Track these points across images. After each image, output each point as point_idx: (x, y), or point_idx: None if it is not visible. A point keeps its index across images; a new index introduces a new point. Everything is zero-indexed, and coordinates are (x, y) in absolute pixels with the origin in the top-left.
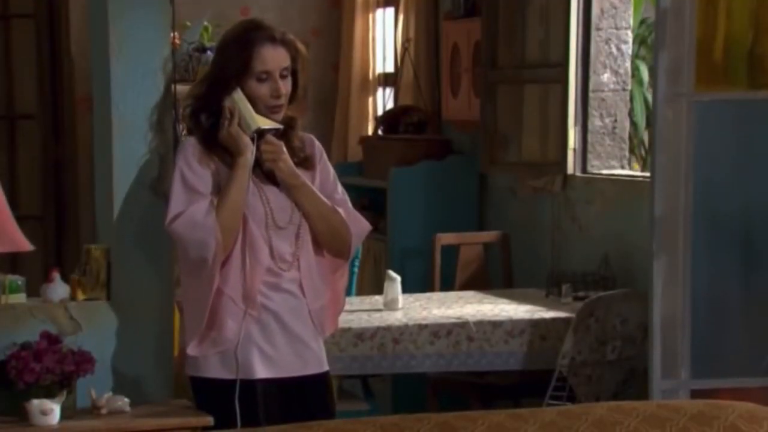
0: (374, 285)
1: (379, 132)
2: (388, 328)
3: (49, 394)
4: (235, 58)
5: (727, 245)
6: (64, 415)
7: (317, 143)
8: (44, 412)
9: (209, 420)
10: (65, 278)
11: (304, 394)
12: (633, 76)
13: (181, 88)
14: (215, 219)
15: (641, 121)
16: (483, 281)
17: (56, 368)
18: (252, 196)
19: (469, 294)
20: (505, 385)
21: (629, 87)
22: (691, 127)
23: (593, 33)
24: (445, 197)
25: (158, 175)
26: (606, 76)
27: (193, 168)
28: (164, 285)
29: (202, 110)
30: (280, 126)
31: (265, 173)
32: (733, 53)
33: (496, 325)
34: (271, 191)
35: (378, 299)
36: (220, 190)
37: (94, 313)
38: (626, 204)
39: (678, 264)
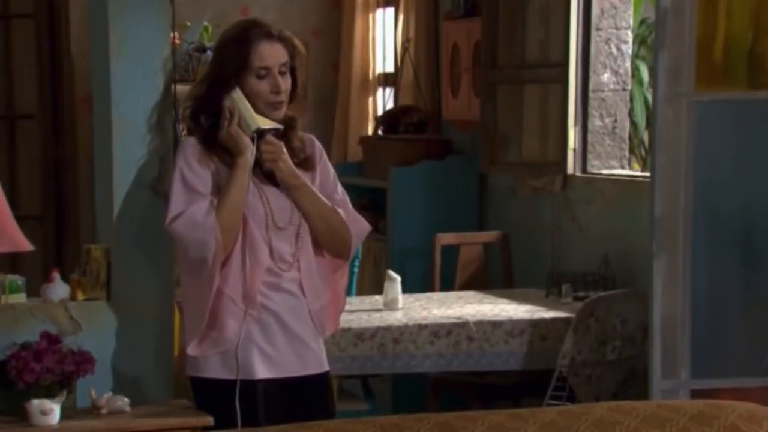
0: (374, 285)
1: (379, 132)
2: (388, 328)
3: (49, 394)
4: (233, 56)
5: (727, 245)
6: (64, 415)
7: (317, 143)
8: (44, 412)
9: (209, 420)
10: (65, 278)
11: (305, 394)
12: (633, 76)
13: (181, 88)
14: (215, 219)
15: (641, 121)
16: (483, 281)
17: (56, 368)
18: (252, 196)
19: (469, 294)
20: (505, 385)
21: (629, 87)
22: (691, 127)
23: (593, 33)
24: (445, 197)
25: (158, 175)
26: (606, 76)
27: (193, 168)
28: (164, 285)
29: (201, 111)
30: (280, 126)
31: (265, 173)
32: (733, 53)
33: (496, 325)
34: (271, 191)
35: (378, 299)
36: (220, 190)
37: (94, 313)
38: (626, 204)
39: (678, 264)
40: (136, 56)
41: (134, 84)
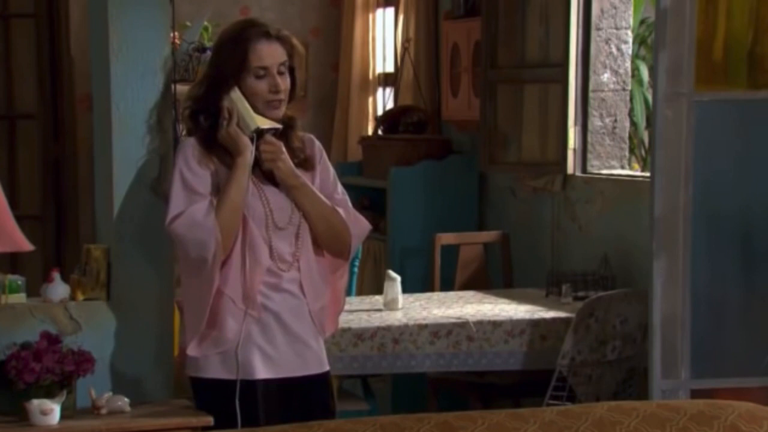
0: (374, 285)
1: (379, 132)
2: (388, 328)
3: (49, 394)
4: (231, 56)
5: (727, 245)
6: (64, 415)
7: (317, 143)
8: (44, 412)
9: (209, 420)
10: (65, 278)
11: (305, 394)
12: (633, 76)
13: (181, 88)
14: (215, 219)
15: (641, 121)
16: (483, 281)
17: (56, 368)
18: (251, 196)
19: (469, 294)
20: (505, 385)
21: (629, 87)
22: (691, 127)
23: (593, 33)
24: (445, 197)
25: (158, 174)
26: (606, 76)
27: (193, 169)
28: (164, 285)
29: (201, 111)
30: (279, 126)
31: (264, 173)
32: (733, 53)
33: (496, 325)
34: (270, 191)
35: (378, 299)
36: (219, 190)
37: (94, 313)
38: (626, 204)
39: (678, 264)
40: (136, 56)
41: (134, 84)
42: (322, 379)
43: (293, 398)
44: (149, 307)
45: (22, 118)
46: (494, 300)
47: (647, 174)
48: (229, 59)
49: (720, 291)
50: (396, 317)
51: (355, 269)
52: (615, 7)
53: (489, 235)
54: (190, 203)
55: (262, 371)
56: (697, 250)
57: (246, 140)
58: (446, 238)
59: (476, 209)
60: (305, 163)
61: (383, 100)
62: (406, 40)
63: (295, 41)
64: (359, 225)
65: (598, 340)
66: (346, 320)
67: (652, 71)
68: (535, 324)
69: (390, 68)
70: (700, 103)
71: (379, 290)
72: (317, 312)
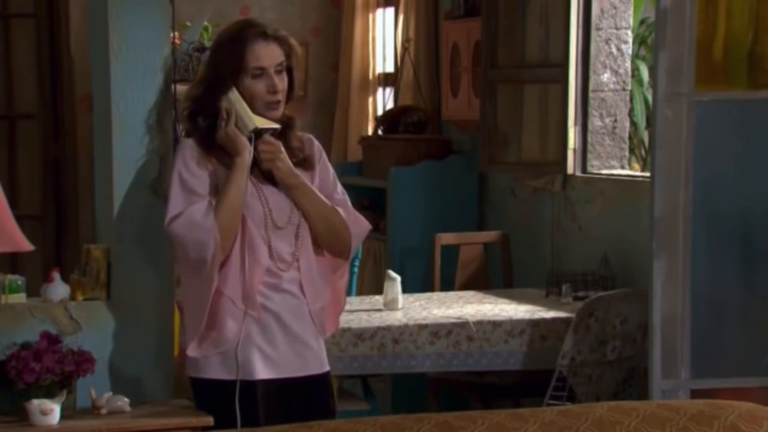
0: (374, 285)
1: (379, 132)
2: (388, 328)
3: (49, 394)
4: (228, 56)
5: (727, 245)
6: (64, 415)
7: (316, 143)
8: (44, 412)
9: (209, 420)
10: (65, 278)
11: (305, 395)
12: (633, 76)
13: (181, 88)
14: (214, 219)
15: (641, 121)
16: (483, 281)
17: (56, 368)
18: (250, 196)
19: (469, 294)
20: (505, 385)
21: (629, 87)
22: (691, 127)
23: (593, 33)
24: (445, 197)
25: (158, 174)
26: (606, 76)
27: (191, 169)
28: (164, 285)
29: (199, 112)
30: (278, 125)
31: (263, 173)
32: (733, 53)
33: (496, 325)
34: (269, 191)
35: (378, 299)
36: (218, 190)
37: (94, 313)
38: (626, 204)
39: (678, 264)
40: (136, 56)
41: (134, 84)
42: (322, 379)
43: (293, 398)
44: (149, 307)
45: (22, 118)
46: (494, 300)
47: (647, 174)
48: (227, 60)
49: (720, 291)
50: (396, 317)
51: (355, 269)
52: (615, 7)
53: (489, 235)
54: (189, 204)
55: (262, 371)
56: (697, 250)
57: (244, 140)
58: (446, 238)
59: (476, 209)
60: (304, 163)
61: (383, 100)
62: (406, 40)
63: (293, 41)
64: (359, 225)
65: (598, 340)
66: (346, 320)
67: (652, 71)
68: (535, 324)
69: (390, 68)
70: (700, 103)
71: (379, 290)
72: (317, 312)
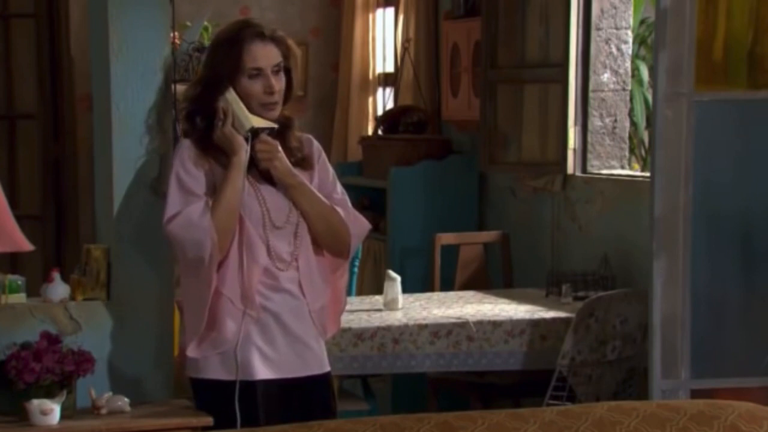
0: (374, 285)
1: (379, 132)
2: (388, 328)
3: (49, 394)
4: (225, 57)
5: (727, 245)
6: (64, 415)
7: (315, 143)
8: (44, 412)
9: (209, 420)
10: (65, 278)
11: (305, 395)
12: (633, 76)
13: (181, 88)
14: (210, 219)
15: (641, 121)
16: (483, 281)
17: (56, 368)
18: (248, 196)
19: (469, 294)
20: (505, 385)
21: (629, 87)
22: (691, 127)
23: (593, 33)
24: (445, 197)
25: (158, 174)
26: (606, 76)
27: (188, 170)
28: (164, 285)
29: (197, 112)
30: (275, 125)
31: (261, 173)
32: (733, 53)
33: (496, 325)
34: (267, 191)
35: (378, 299)
36: (216, 191)
37: (94, 313)
38: (626, 204)
39: (678, 264)
40: (136, 56)
41: (134, 84)
42: (323, 379)
43: (293, 399)
44: (149, 307)
45: (22, 118)
46: (494, 300)
47: (647, 174)
48: (224, 60)
49: (720, 291)
50: (396, 317)
51: (355, 269)
52: (615, 7)
53: (489, 235)
54: (187, 204)
55: (261, 372)
56: (697, 250)
57: (240, 140)
58: (446, 238)
59: (476, 209)
60: (303, 163)
61: (383, 100)
62: (406, 40)
63: (291, 42)
64: (359, 224)
65: (598, 340)
66: (346, 320)
67: (652, 71)
68: (535, 324)
69: (390, 68)
70: (700, 103)
71: (379, 290)
72: (317, 312)
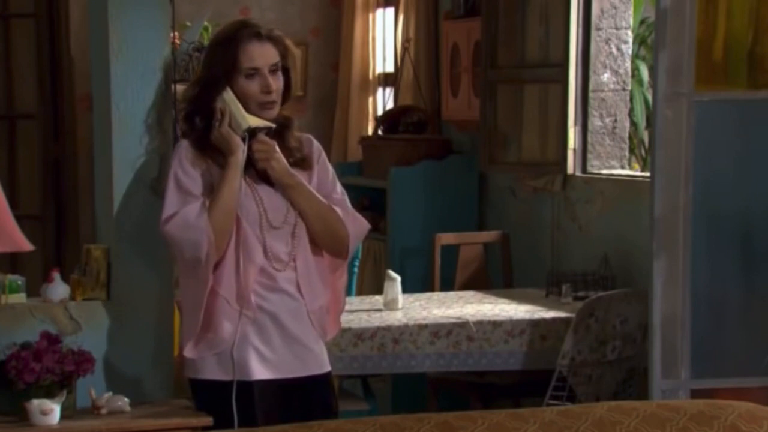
0: (374, 285)
1: (379, 132)
2: (388, 328)
3: (49, 394)
4: (222, 57)
5: (727, 245)
6: (64, 415)
7: (315, 143)
8: (44, 412)
9: (209, 420)
10: (65, 278)
11: (305, 395)
12: (633, 76)
13: (181, 88)
14: (207, 219)
15: (641, 121)
16: (483, 281)
17: (56, 368)
18: (245, 196)
19: (469, 294)
20: (505, 385)
21: (629, 87)
22: (691, 127)
23: (593, 33)
24: (445, 197)
25: (158, 174)
26: (606, 76)
27: (186, 170)
28: (164, 285)
29: (196, 113)
30: (272, 125)
31: (259, 173)
32: (733, 53)
33: (496, 325)
34: (264, 191)
35: (378, 299)
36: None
37: (94, 313)
38: (626, 204)
39: (678, 264)
40: (136, 56)
41: (134, 84)
42: (323, 379)
43: (292, 399)
44: (149, 307)
45: (22, 118)
46: (494, 300)
47: (647, 174)
48: (221, 60)
49: (720, 291)
50: (396, 317)
51: (355, 269)
52: (615, 7)
53: (489, 235)
54: (184, 204)
55: (258, 372)
56: (697, 250)
57: (237, 140)
58: (446, 238)
59: (476, 209)
60: (302, 163)
61: (383, 100)
62: (406, 40)
63: (289, 42)
64: (358, 224)
65: (598, 340)
66: (346, 320)
67: (652, 71)
68: (535, 324)
69: (390, 68)
70: (700, 103)
71: (379, 290)
72: (316, 313)
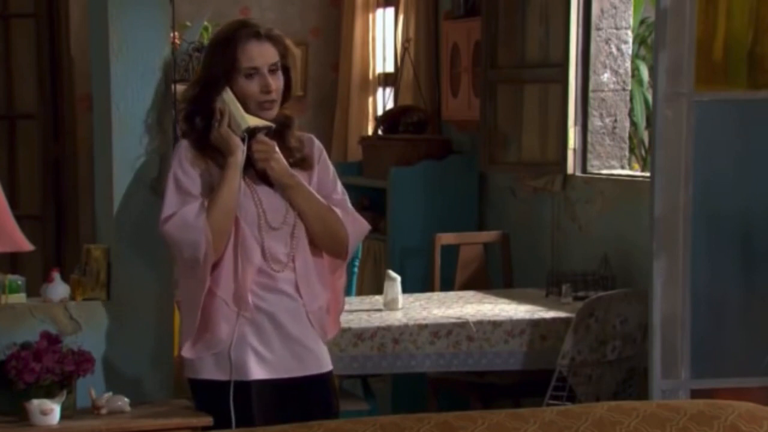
0: (374, 285)
1: (379, 132)
2: (388, 328)
3: (49, 394)
4: (221, 57)
5: (727, 245)
6: (64, 415)
7: (317, 142)
8: (44, 412)
9: (209, 420)
10: (65, 278)
11: (304, 395)
12: (633, 76)
13: (181, 88)
14: (206, 219)
15: (641, 121)
16: (483, 281)
17: (56, 368)
18: (244, 196)
19: (469, 294)
20: (505, 385)
21: (629, 87)
22: (691, 127)
23: (593, 33)
24: (445, 197)
25: (158, 174)
26: (606, 76)
27: (186, 170)
28: (164, 285)
29: (196, 113)
30: (272, 125)
31: (258, 173)
32: (733, 53)
33: (496, 325)
34: (264, 191)
35: (378, 299)
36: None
37: (94, 313)
38: (626, 204)
39: (678, 264)
40: (136, 56)
41: (134, 84)
42: (323, 379)
43: (291, 399)
44: (149, 307)
45: (22, 118)
46: (494, 300)
47: (647, 174)
48: (220, 60)
49: (720, 291)
50: (396, 317)
51: (355, 269)
52: (615, 7)
53: (489, 235)
54: (183, 205)
55: (256, 372)
56: (697, 250)
57: (237, 140)
58: (446, 238)
59: (476, 209)
60: (302, 163)
61: (383, 100)
62: (406, 40)
63: (288, 41)
64: (357, 225)
65: (598, 340)
66: (346, 320)
67: (652, 71)
68: (535, 324)
69: (390, 68)
70: (700, 103)
71: (379, 290)
72: (315, 313)
